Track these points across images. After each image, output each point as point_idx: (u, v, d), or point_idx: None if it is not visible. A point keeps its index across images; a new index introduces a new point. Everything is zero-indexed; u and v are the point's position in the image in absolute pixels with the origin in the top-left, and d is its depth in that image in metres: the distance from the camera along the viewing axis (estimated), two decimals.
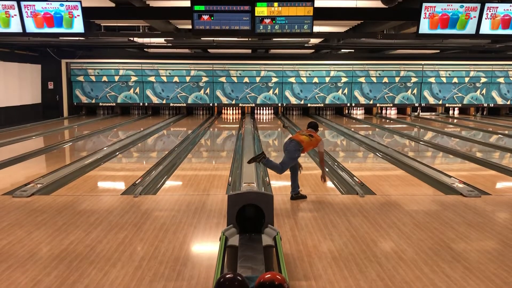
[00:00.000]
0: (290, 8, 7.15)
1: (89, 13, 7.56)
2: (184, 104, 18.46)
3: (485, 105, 18.85)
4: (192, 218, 5.09)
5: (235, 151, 9.72)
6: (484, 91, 18.68)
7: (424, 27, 7.36)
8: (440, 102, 18.82)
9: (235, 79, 18.13)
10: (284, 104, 18.49)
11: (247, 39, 12.18)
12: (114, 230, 4.66)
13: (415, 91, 18.62)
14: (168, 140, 12.59)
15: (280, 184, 6.82)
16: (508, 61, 18.05)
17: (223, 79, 18.12)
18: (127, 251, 4.11)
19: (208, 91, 18.24)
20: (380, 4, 8.18)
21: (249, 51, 17.19)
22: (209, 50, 17.26)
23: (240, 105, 18.53)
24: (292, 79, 18.23)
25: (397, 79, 18.41)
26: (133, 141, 11.31)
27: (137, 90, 18.17)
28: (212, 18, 7.19)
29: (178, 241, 4.38)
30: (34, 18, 7.33)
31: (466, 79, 18.50)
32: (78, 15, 7.34)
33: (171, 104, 18.44)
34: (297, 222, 4.98)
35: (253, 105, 18.54)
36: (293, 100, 18.42)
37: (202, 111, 19.09)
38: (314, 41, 14.26)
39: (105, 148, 9.96)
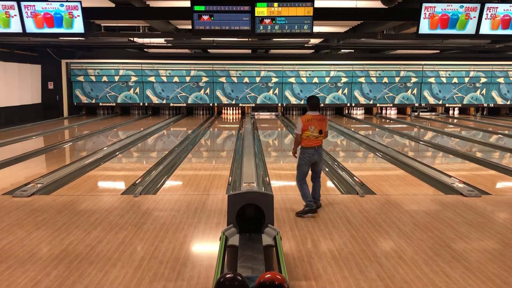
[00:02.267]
0: (290, 8, 7.15)
1: (89, 13, 7.57)
2: (184, 104, 18.46)
3: (485, 105, 18.84)
4: (192, 218, 5.09)
5: (235, 151, 9.73)
6: (484, 91, 18.67)
7: (424, 27, 7.36)
8: (440, 102, 18.82)
9: (235, 79, 18.13)
10: (284, 104, 18.49)
11: (247, 39, 12.19)
12: (114, 230, 4.66)
13: (415, 91, 18.62)
14: (168, 140, 12.59)
15: (280, 184, 6.82)
16: (508, 61, 18.05)
17: (223, 79, 18.12)
18: (127, 251, 4.11)
19: (208, 91, 18.24)
20: (380, 4, 8.19)
21: (249, 51, 17.21)
22: (209, 50, 17.29)
23: (240, 105, 18.54)
24: (292, 79, 18.23)
25: (397, 79, 18.41)
26: (133, 141, 11.32)
27: (137, 90, 18.16)
28: (212, 18, 7.19)
29: (178, 241, 4.38)
30: (34, 18, 7.33)
31: (466, 79, 18.50)
32: (78, 15, 7.34)
33: (171, 104, 18.44)
34: (297, 222, 4.98)
35: (253, 105, 18.54)
36: (293, 100, 18.42)
37: (202, 111, 19.09)
38: (314, 41, 14.27)
39: (105, 148, 9.97)
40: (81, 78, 17.90)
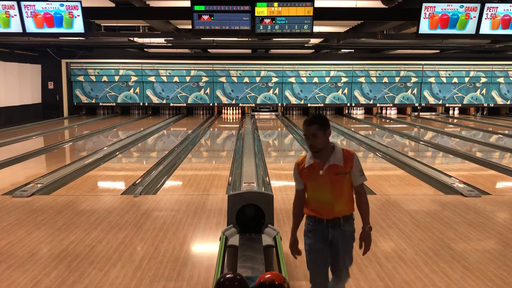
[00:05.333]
0: (290, 8, 7.14)
1: (89, 13, 7.56)
2: (184, 104, 18.45)
3: (485, 105, 18.84)
4: (192, 218, 5.09)
5: (235, 151, 9.72)
6: (484, 91, 18.67)
7: (424, 27, 7.36)
8: (440, 102, 18.81)
9: (235, 79, 18.13)
10: (284, 104, 18.49)
11: (247, 39, 12.18)
12: (114, 230, 4.66)
13: (415, 91, 18.62)
14: (168, 140, 12.58)
15: (280, 184, 6.82)
16: (508, 61, 18.05)
17: (223, 79, 18.11)
18: (127, 251, 4.11)
19: (208, 91, 18.24)
20: (380, 4, 8.18)
21: (249, 51, 17.20)
22: (209, 50, 17.27)
23: (240, 105, 18.53)
24: (292, 79, 18.22)
25: (397, 79, 18.41)
26: (133, 141, 11.31)
27: (137, 90, 18.16)
28: (212, 18, 7.19)
29: (178, 241, 4.38)
30: (34, 18, 7.33)
31: (466, 79, 18.49)
32: (78, 15, 7.34)
33: (171, 104, 18.44)
34: None
35: (253, 105, 18.54)
36: (293, 100, 18.42)
37: (202, 111, 19.08)
38: (314, 41, 14.25)
39: (105, 148, 9.96)
40: (81, 78, 17.90)
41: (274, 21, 7.22)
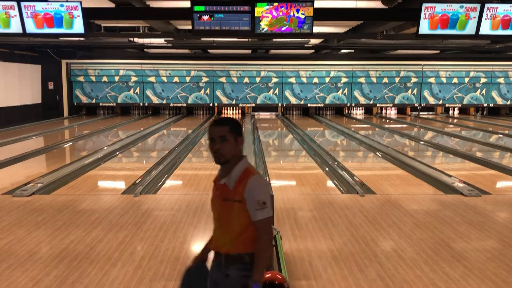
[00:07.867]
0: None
1: (89, 14, 7.56)
2: (184, 104, 18.46)
3: (485, 105, 18.85)
4: (193, 217, 5.09)
5: None
6: (484, 91, 18.68)
7: (424, 27, 7.36)
8: (440, 102, 18.82)
9: (235, 79, 18.14)
10: (284, 104, 18.50)
11: (247, 39, 12.19)
12: (114, 230, 4.66)
13: (415, 91, 18.63)
14: (168, 140, 12.58)
15: (280, 184, 6.81)
16: (508, 61, 18.05)
17: (223, 79, 18.12)
18: (127, 250, 4.11)
19: (208, 91, 18.24)
20: (380, 5, 8.19)
21: (249, 51, 17.21)
22: (209, 50, 17.28)
23: (240, 105, 18.54)
24: (292, 79, 18.23)
25: (397, 79, 18.41)
26: (133, 141, 11.31)
27: (137, 90, 18.17)
28: (212, 18, 7.19)
29: (179, 240, 4.38)
30: (34, 19, 7.33)
31: (466, 79, 18.50)
32: (78, 16, 7.34)
33: (171, 104, 18.45)
34: (297, 221, 4.98)
35: (253, 105, 18.55)
36: (293, 100, 18.43)
37: (202, 111, 19.09)
38: (314, 41, 14.26)
39: (105, 148, 9.96)
40: (81, 78, 17.91)
41: None
